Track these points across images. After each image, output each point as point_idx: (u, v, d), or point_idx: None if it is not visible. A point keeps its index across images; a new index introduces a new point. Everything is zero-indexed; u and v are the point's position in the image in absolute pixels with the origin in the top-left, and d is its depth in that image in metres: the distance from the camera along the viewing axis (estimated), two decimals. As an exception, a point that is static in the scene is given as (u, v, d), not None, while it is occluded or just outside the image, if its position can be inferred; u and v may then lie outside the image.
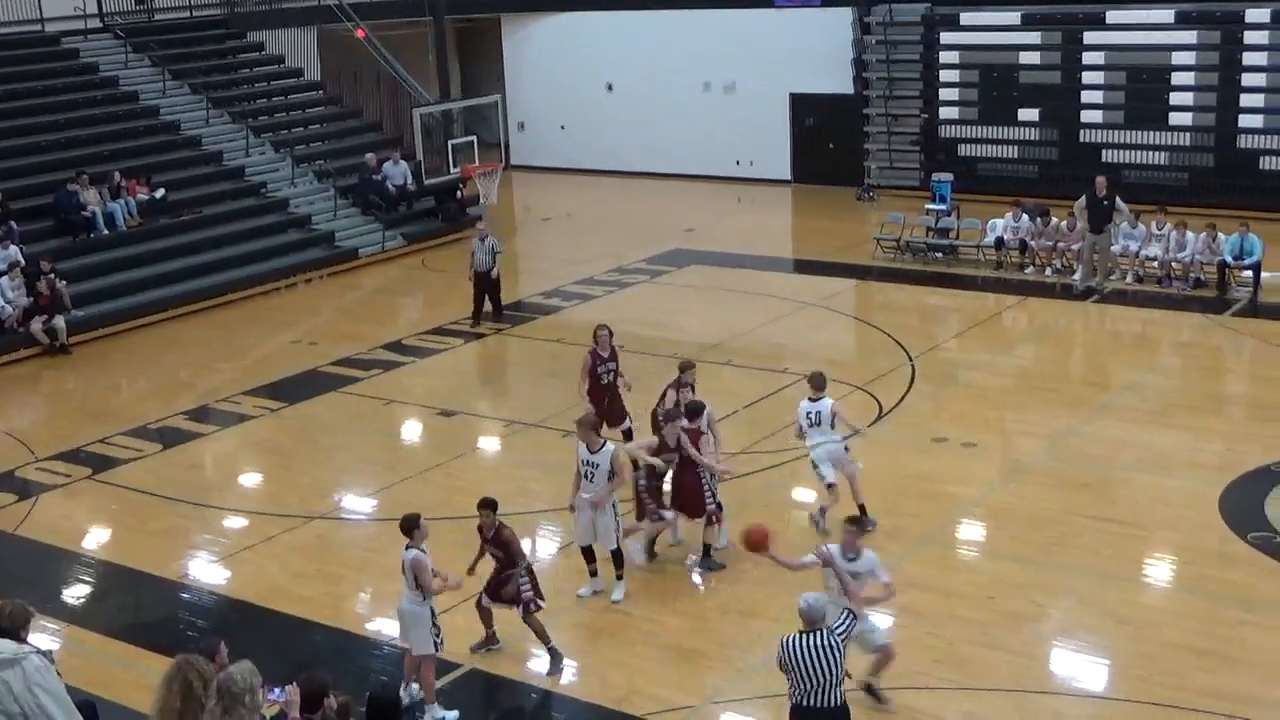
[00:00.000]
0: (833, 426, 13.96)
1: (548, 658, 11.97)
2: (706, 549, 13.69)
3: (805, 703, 9.24)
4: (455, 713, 11.34)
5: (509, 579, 11.92)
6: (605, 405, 15.77)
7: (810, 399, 13.96)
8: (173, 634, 12.74)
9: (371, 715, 9.02)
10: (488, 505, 11.87)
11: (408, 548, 11.11)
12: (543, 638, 11.95)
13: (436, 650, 11.19)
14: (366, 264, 27.84)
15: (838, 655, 9.16)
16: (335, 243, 28.00)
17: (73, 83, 29.51)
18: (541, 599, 11.97)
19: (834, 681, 9.17)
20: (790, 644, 9.22)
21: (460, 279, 23.51)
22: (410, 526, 11.13)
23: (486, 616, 12.18)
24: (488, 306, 22.82)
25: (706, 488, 13.53)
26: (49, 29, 30.76)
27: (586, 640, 12.53)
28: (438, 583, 11.10)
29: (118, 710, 11.14)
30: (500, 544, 11.87)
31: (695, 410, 13.55)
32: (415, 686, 11.41)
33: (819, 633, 9.19)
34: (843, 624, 9.34)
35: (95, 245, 25.28)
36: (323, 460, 17.38)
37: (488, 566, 12.09)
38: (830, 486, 14.04)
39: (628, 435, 15.81)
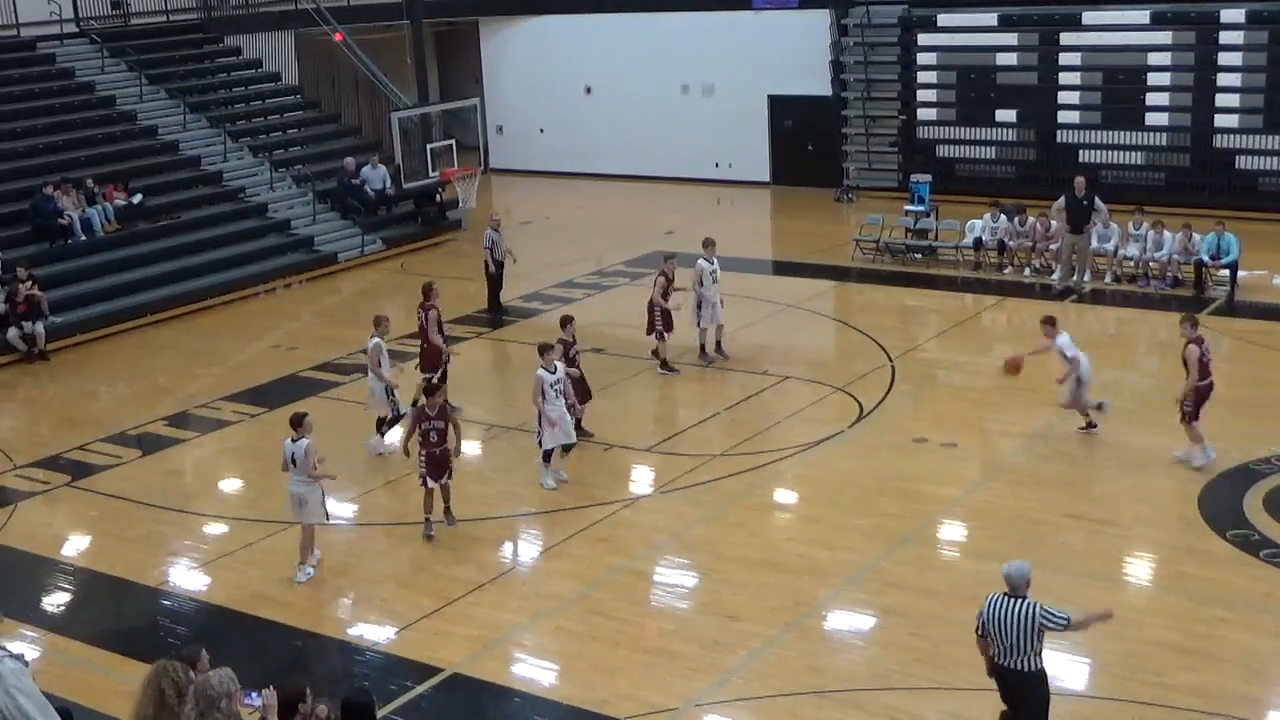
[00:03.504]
0: None
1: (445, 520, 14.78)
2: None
3: (1000, 661, 9.66)
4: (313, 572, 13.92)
5: (445, 454, 14.39)
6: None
7: None
8: (153, 641, 12.71)
9: (346, 719, 8.99)
10: (439, 389, 14.80)
11: (296, 440, 13.54)
12: (447, 499, 14.75)
13: (326, 520, 14.05)
14: (346, 268, 27.79)
15: (1031, 629, 9.41)
16: (314, 247, 27.94)
17: (49, 88, 29.38)
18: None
19: (1027, 650, 9.47)
20: (991, 603, 9.63)
21: (439, 282, 23.32)
22: (299, 421, 13.64)
23: (431, 500, 14.62)
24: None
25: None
26: (24, 34, 30.63)
27: (568, 643, 12.52)
28: (322, 468, 13.73)
29: (95, 717, 11.10)
30: (445, 417, 14.42)
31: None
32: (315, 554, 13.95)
33: (1021, 600, 9.50)
34: (1054, 616, 9.48)
35: (73, 251, 25.17)
36: (303, 465, 17.31)
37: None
38: None
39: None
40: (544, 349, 15.64)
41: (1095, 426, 16.69)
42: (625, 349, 20.44)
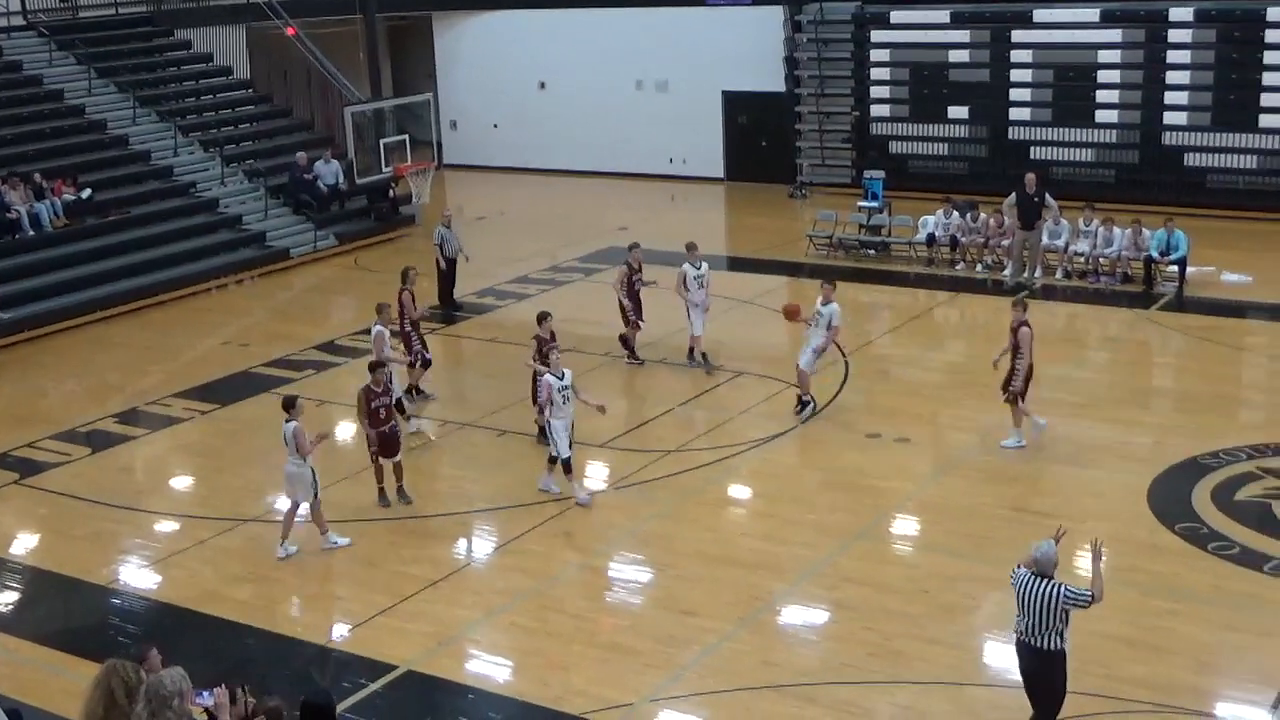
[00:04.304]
0: None
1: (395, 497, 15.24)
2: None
3: (1023, 638, 9.87)
4: (348, 539, 14.35)
5: (395, 433, 14.96)
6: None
7: None
8: (103, 640, 12.60)
9: (305, 718, 8.94)
10: (382, 366, 15.20)
11: (287, 421, 13.91)
12: (400, 477, 15.20)
13: (316, 498, 14.15)
14: (298, 264, 27.62)
15: (1055, 608, 9.59)
16: (266, 243, 27.75)
17: (-4, 81, 29.06)
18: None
19: (1050, 628, 9.67)
20: (1021, 579, 9.85)
21: (392, 278, 23.27)
22: (290, 404, 14.11)
23: (383, 473, 15.14)
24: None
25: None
26: (-30, 27, 30.26)
27: (523, 639, 12.51)
28: (311, 445, 13.97)
29: (45, 717, 10.98)
30: (389, 393, 15.10)
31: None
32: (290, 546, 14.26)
33: (1047, 581, 9.68)
34: (1078, 595, 9.63)
35: (21, 246, 24.87)
36: (255, 462, 17.19)
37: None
38: None
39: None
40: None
41: (811, 403, 17.48)
42: (580, 344, 20.41)
